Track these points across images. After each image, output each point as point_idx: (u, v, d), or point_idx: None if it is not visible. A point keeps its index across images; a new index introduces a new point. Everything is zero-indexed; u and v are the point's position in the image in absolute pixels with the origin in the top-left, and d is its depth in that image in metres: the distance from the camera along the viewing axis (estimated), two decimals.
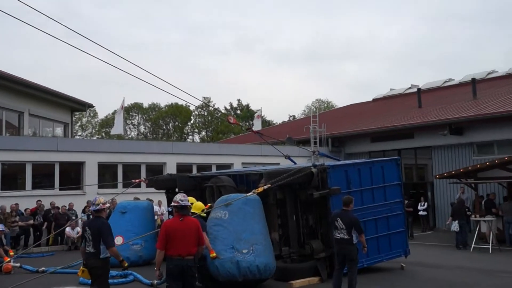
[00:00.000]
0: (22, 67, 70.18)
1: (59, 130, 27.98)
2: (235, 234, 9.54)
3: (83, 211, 18.14)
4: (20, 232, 16.91)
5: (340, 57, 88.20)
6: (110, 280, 10.81)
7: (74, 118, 30.34)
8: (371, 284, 10.42)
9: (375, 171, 12.17)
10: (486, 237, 16.74)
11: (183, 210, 7.10)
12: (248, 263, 9.34)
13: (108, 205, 7.82)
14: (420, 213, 21.45)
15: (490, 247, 15.82)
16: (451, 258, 14.47)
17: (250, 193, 9.64)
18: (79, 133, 57.92)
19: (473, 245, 16.18)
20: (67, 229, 16.91)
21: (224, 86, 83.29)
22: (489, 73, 30.69)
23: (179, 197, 7.17)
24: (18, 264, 12.71)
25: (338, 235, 9.06)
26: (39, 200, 17.82)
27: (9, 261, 12.48)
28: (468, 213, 17.59)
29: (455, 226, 16.77)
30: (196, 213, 9.20)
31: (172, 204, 7.16)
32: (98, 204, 7.57)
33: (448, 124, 21.30)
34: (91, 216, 8.20)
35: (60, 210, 17.78)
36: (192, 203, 9.21)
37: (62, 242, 17.54)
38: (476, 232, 16.57)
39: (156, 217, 18.23)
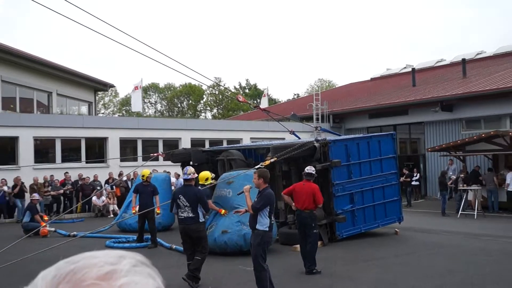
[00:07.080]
0: (43, 48, 69.84)
1: (84, 109, 28.13)
2: None
3: (107, 182, 18.43)
4: (53, 200, 17.26)
5: (340, 36, 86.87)
6: (127, 244, 11.05)
7: (97, 97, 30.38)
8: (370, 247, 10.63)
9: (372, 145, 12.25)
10: (472, 204, 16.85)
11: (307, 176, 8.55)
12: None
13: (196, 175, 8.37)
14: (413, 183, 21.47)
15: (475, 213, 15.90)
16: (440, 224, 14.60)
17: (258, 166, 9.74)
18: (102, 111, 57.95)
19: (460, 212, 16.30)
20: (94, 198, 17.18)
21: (234, 65, 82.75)
22: (478, 54, 30.21)
23: (308, 167, 8.71)
24: (53, 229, 12.99)
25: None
26: (67, 172, 18.10)
27: (45, 226, 12.75)
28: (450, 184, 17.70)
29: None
30: (205, 185, 9.37)
31: (303, 172, 8.68)
32: (190, 174, 7.71)
33: (440, 101, 21.18)
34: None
35: (84, 181, 18.02)
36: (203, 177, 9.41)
37: (90, 210, 17.86)
38: (463, 200, 16.63)
39: (173, 188, 18.42)
